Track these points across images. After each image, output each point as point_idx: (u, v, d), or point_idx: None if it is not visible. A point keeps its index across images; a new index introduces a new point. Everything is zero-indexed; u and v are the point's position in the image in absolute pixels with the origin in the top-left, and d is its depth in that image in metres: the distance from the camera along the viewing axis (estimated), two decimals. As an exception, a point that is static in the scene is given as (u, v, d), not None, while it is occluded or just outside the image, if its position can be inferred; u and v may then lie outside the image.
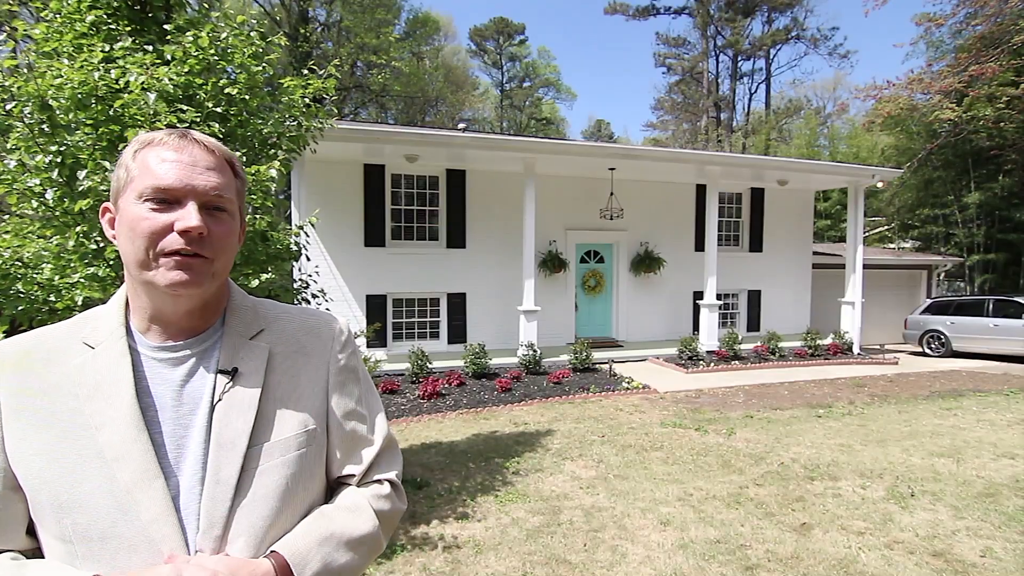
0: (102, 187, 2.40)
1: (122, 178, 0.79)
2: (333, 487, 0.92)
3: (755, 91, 35.29)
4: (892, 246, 21.13)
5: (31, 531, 0.78)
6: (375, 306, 9.82)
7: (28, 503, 0.75)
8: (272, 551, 0.77)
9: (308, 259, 3.72)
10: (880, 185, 11.74)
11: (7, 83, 2.52)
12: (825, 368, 9.80)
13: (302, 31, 21.69)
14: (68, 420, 0.75)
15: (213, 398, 0.79)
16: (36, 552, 0.78)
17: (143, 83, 2.54)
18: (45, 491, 0.72)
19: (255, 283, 2.91)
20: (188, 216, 0.75)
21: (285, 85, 3.38)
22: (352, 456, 0.90)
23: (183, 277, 0.75)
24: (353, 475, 0.90)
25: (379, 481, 0.93)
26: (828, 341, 10.96)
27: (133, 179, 0.77)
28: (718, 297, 10.52)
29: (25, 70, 2.79)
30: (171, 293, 0.76)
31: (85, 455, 0.73)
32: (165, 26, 3.01)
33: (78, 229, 2.52)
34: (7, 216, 3.05)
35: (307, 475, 0.84)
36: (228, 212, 0.81)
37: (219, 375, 0.80)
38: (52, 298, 2.47)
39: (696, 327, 11.32)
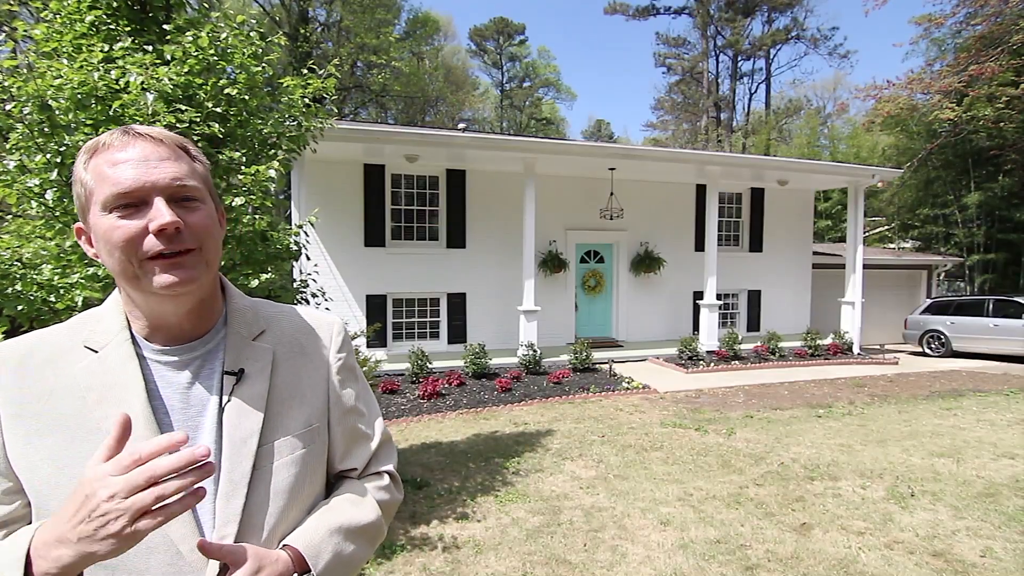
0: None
1: (81, 194, 0.76)
2: (334, 480, 0.94)
3: (755, 91, 35.32)
4: (892, 246, 21.12)
5: None
6: (375, 306, 9.82)
7: (32, 508, 0.74)
8: (285, 544, 0.78)
9: (308, 259, 3.72)
10: (880, 185, 11.75)
11: (7, 83, 2.52)
12: (825, 368, 9.80)
13: (302, 31, 21.69)
14: (74, 425, 0.74)
15: (221, 399, 0.79)
16: None
17: (143, 83, 2.54)
18: (56, 497, 0.71)
19: (255, 283, 2.91)
20: (159, 214, 0.72)
21: (285, 85, 3.38)
22: (353, 451, 0.94)
23: (175, 278, 0.73)
24: (355, 469, 0.94)
25: (378, 473, 0.96)
26: (828, 341, 10.96)
27: (92, 191, 0.74)
28: (718, 297, 10.52)
29: (25, 70, 2.79)
30: (169, 295, 0.75)
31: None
32: (165, 26, 3.00)
33: (77, 229, 2.51)
34: (8, 217, 3.04)
35: (311, 472, 0.86)
36: (198, 199, 0.78)
37: (226, 376, 0.80)
38: (52, 298, 2.47)
39: (696, 327, 11.32)
